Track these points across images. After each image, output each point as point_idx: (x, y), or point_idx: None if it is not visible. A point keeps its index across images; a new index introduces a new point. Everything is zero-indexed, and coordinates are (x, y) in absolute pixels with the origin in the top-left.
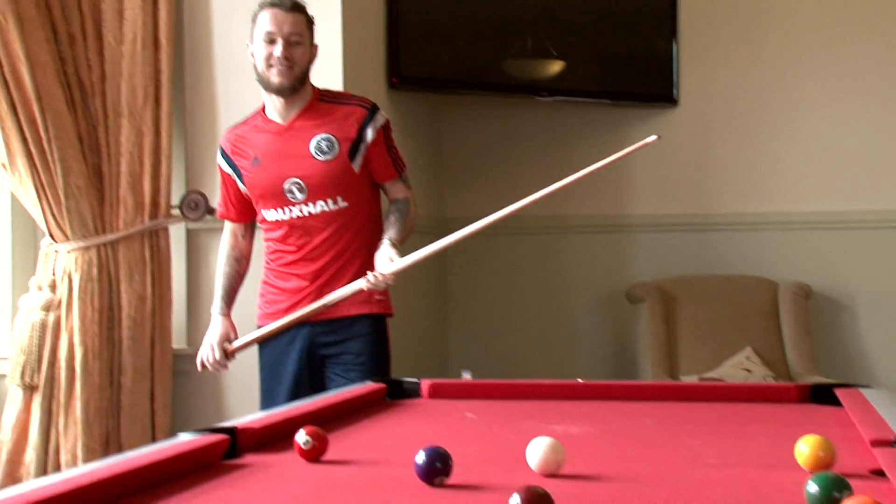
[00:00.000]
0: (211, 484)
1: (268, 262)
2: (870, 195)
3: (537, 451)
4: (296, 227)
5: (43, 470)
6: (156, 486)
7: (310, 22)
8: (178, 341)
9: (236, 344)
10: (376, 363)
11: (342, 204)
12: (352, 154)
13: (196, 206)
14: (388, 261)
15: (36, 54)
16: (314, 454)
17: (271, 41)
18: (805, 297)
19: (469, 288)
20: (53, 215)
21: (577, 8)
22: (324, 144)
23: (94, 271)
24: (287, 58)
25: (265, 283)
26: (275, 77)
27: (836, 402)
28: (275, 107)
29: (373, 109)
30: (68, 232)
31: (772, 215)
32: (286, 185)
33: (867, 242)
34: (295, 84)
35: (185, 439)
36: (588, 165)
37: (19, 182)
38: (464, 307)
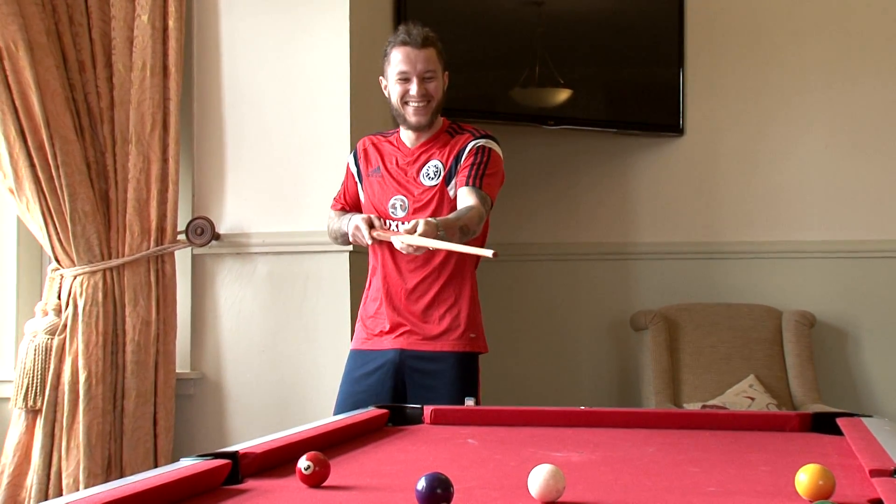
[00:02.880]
0: None
1: (371, 272)
2: (873, 225)
3: (538, 478)
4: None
5: (44, 493)
6: None
7: (440, 52)
8: (181, 365)
9: (379, 233)
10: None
11: None
12: (448, 179)
13: (202, 231)
14: (417, 227)
15: (45, 81)
16: (316, 480)
17: (406, 80)
18: (809, 326)
19: None
20: (60, 240)
21: (584, 38)
22: (431, 170)
23: (100, 296)
24: (423, 95)
25: (365, 298)
26: (412, 116)
27: (837, 431)
28: (406, 133)
29: (482, 136)
30: (74, 257)
31: (776, 244)
32: (392, 201)
33: (871, 272)
34: (431, 119)
35: (187, 464)
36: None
37: (26, 207)
38: None
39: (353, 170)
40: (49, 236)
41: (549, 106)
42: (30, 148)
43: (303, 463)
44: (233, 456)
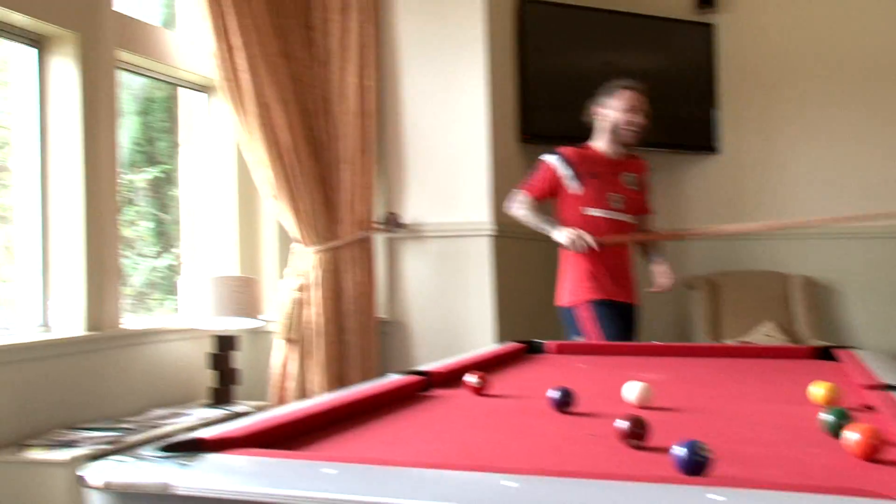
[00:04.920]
0: (415, 408)
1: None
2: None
3: (633, 390)
4: (612, 224)
5: (299, 394)
6: (376, 409)
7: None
8: (382, 313)
9: (604, 240)
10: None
11: (632, 220)
12: (639, 186)
13: (391, 222)
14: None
15: (291, 123)
16: (480, 390)
17: (631, 112)
18: (811, 286)
19: None
20: (302, 228)
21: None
22: (629, 178)
23: (327, 265)
24: (641, 124)
25: (581, 266)
26: (630, 138)
27: (834, 358)
28: (610, 148)
29: (648, 165)
30: (311, 239)
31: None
32: (611, 196)
33: (855, 248)
34: (637, 141)
35: (394, 378)
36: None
37: (281, 207)
38: None
39: (564, 171)
40: (296, 226)
41: None
42: (283, 168)
43: (471, 377)
44: (424, 373)
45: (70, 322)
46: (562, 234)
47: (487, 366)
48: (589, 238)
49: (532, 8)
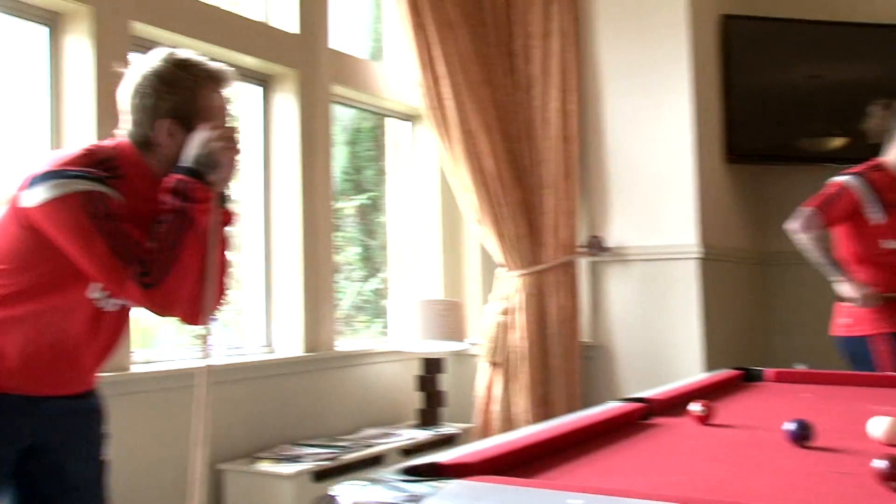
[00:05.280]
0: (639, 437)
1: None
2: None
3: (881, 425)
4: None
5: (504, 417)
6: (599, 437)
7: None
8: (584, 336)
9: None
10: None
11: None
12: None
13: (595, 246)
14: None
15: (495, 149)
16: (705, 419)
17: None
18: None
19: (785, 300)
20: (506, 253)
21: (857, 100)
22: None
23: (531, 290)
24: None
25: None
26: None
27: None
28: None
29: None
30: (515, 263)
31: None
32: None
33: None
34: None
35: (614, 405)
36: None
37: (485, 232)
38: (783, 313)
39: (868, 198)
40: (500, 250)
41: (831, 149)
42: (486, 194)
43: (695, 406)
44: (644, 400)
45: (290, 343)
46: (849, 289)
47: (707, 394)
48: (878, 296)
49: (735, 24)
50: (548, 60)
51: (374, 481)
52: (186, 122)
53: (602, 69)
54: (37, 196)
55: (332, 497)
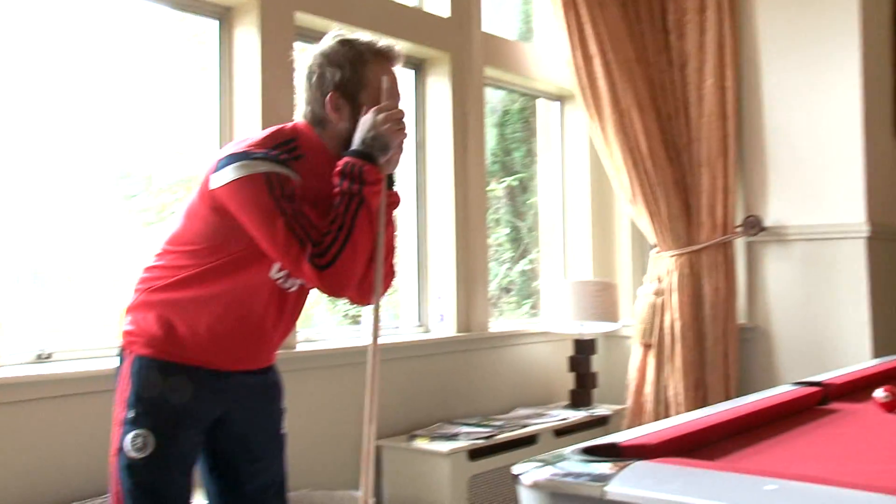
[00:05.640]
0: (819, 422)
1: None
2: None
3: None
4: None
5: (657, 399)
6: (775, 421)
7: None
8: (740, 318)
9: None
10: None
11: None
12: None
13: (753, 225)
14: None
15: (648, 128)
16: (891, 406)
17: None
18: None
19: None
20: (659, 233)
21: None
22: None
23: (686, 270)
24: None
25: None
26: None
27: None
28: None
29: None
30: (669, 244)
31: None
32: None
33: None
34: None
35: (787, 389)
36: None
37: (638, 212)
38: None
39: None
40: (653, 231)
41: None
42: (641, 173)
43: (880, 393)
44: (819, 384)
45: (444, 323)
46: None
47: (888, 379)
48: None
49: None
50: (703, 35)
51: (553, 461)
52: (351, 95)
53: (761, 42)
54: (224, 177)
55: (517, 476)
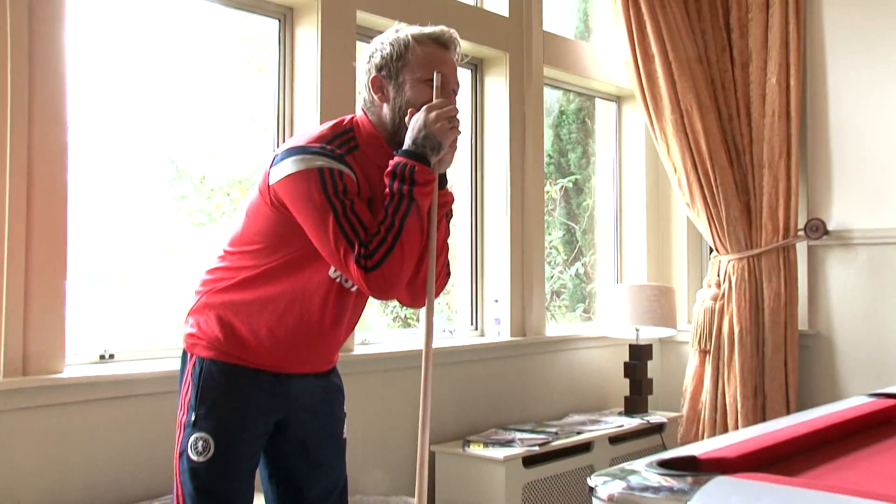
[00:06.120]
0: None
1: None
2: None
3: None
4: None
5: (713, 407)
6: (853, 434)
7: None
8: (802, 324)
9: None
10: None
11: None
12: None
13: (816, 229)
14: None
15: (708, 129)
16: None
17: None
18: None
19: None
20: (718, 236)
21: None
22: None
23: (745, 274)
24: None
25: None
26: None
27: None
28: None
29: None
30: (728, 247)
31: None
32: None
33: None
34: None
35: (863, 400)
36: None
37: (696, 215)
38: None
39: None
40: (711, 234)
41: None
42: (699, 174)
43: None
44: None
45: (499, 327)
46: None
47: None
48: None
49: None
50: (767, 33)
51: (629, 473)
52: (393, 73)
53: (827, 41)
54: (281, 171)
55: (592, 488)
